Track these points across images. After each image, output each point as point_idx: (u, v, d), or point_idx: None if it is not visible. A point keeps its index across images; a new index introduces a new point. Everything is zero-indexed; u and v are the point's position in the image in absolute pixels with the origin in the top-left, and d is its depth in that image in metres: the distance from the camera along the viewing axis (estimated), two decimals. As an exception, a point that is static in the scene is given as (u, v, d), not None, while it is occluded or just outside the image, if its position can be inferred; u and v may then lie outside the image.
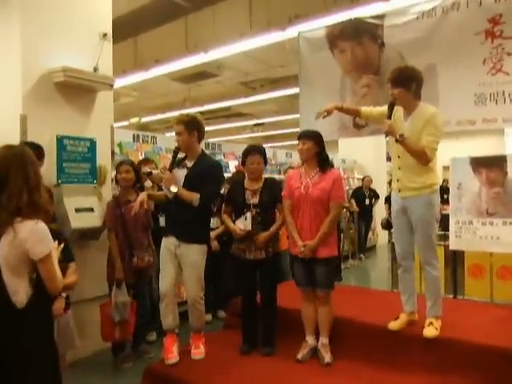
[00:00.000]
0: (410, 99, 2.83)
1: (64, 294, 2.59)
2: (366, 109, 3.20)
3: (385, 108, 2.94)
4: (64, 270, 2.60)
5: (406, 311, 3.03)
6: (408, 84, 2.79)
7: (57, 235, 2.65)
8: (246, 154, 3.23)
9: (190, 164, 3.14)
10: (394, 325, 2.98)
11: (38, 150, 2.96)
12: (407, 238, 2.97)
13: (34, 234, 1.74)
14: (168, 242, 3.12)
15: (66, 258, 2.66)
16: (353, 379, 2.77)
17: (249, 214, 3.11)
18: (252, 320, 3.26)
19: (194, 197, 3.01)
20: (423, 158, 2.75)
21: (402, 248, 3.01)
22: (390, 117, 2.83)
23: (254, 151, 3.22)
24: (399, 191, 2.94)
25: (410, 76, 2.82)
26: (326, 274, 2.99)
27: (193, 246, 3.07)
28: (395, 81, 2.80)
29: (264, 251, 3.13)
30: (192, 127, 3.10)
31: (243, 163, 3.28)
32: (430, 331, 2.81)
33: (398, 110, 2.92)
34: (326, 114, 3.11)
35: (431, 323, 2.84)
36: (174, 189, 3.01)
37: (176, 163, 3.17)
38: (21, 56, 3.40)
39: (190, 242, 3.07)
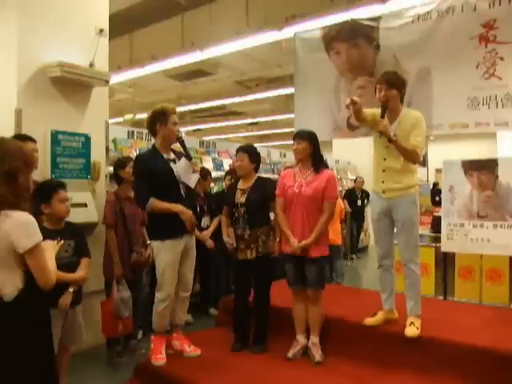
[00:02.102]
0: (398, 102, 2.95)
1: (71, 289, 2.61)
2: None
3: (372, 110, 2.99)
4: (76, 265, 2.67)
5: (385, 309, 3.09)
6: (401, 88, 2.93)
7: (72, 231, 2.70)
8: (236, 154, 3.31)
9: (171, 156, 3.10)
10: (369, 321, 3.07)
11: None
12: (389, 238, 3.05)
13: (18, 227, 1.72)
14: (179, 244, 3.00)
15: (78, 254, 2.70)
16: (342, 378, 2.79)
17: (231, 230, 3.22)
18: (244, 318, 3.27)
19: None
20: (414, 157, 2.86)
21: (383, 248, 3.06)
22: (382, 116, 2.87)
23: (239, 149, 3.30)
24: (383, 192, 2.99)
25: (402, 80, 2.97)
26: (317, 274, 3.02)
27: (193, 237, 3.17)
28: (391, 83, 2.90)
29: (254, 252, 3.15)
30: None
31: None
32: (411, 331, 2.85)
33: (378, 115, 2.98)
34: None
35: (412, 323, 2.89)
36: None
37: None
38: (17, 50, 3.39)
39: (193, 232, 3.15)
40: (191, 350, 3.11)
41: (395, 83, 2.90)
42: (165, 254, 2.98)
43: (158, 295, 3.02)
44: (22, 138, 2.97)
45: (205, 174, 4.77)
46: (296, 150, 3.09)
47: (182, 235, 3.00)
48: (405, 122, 2.90)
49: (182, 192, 3.03)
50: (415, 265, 2.95)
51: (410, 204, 2.92)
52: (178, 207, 2.94)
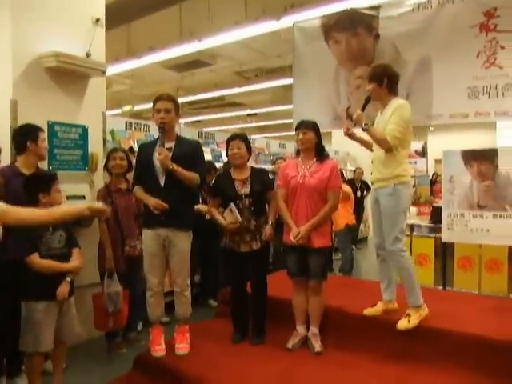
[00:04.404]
0: (383, 94, 3.00)
1: (68, 278, 2.62)
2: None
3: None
4: (68, 256, 2.68)
5: (384, 299, 3.11)
6: (380, 79, 2.97)
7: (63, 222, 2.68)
8: (227, 142, 3.24)
9: (168, 145, 2.97)
10: (369, 311, 3.09)
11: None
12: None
13: None
14: (155, 234, 2.97)
15: (69, 244, 2.72)
16: (342, 368, 2.80)
17: (233, 205, 3.07)
18: (243, 310, 3.27)
19: (195, 176, 2.95)
20: (385, 145, 2.88)
21: (379, 238, 3.08)
22: (363, 109, 3.00)
23: (234, 137, 3.22)
24: (372, 183, 3.09)
25: (382, 72, 3.00)
26: (320, 264, 3.01)
27: (182, 232, 3.00)
28: (369, 77, 3.03)
29: (259, 242, 3.12)
30: (178, 108, 3.07)
31: (227, 153, 3.29)
32: (401, 323, 2.85)
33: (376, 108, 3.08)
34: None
35: (408, 315, 2.88)
36: (174, 166, 2.87)
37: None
38: (11, 40, 3.34)
39: (180, 229, 2.99)
40: (177, 348, 3.03)
41: (373, 76, 2.99)
42: (144, 242, 3.07)
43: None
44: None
45: (208, 167, 4.72)
46: (302, 140, 3.07)
47: (152, 227, 2.97)
48: (387, 111, 2.94)
49: (161, 181, 2.94)
50: (396, 254, 2.91)
51: (389, 195, 2.90)
52: (145, 198, 2.97)
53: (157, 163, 2.92)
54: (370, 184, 9.00)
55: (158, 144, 2.97)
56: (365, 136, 3.11)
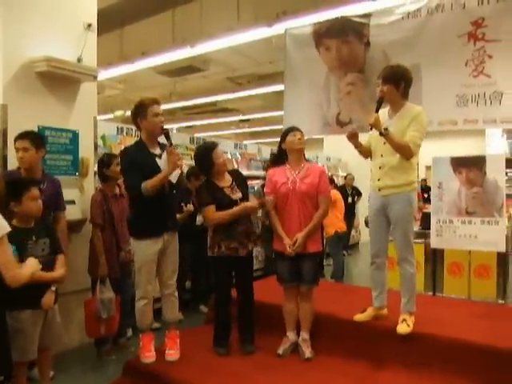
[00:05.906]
0: (397, 97, 2.91)
1: (53, 288, 2.56)
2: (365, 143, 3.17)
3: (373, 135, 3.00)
4: (53, 263, 2.60)
5: (374, 306, 3.11)
6: (398, 82, 2.87)
7: (45, 228, 2.63)
8: (210, 150, 3.05)
9: (158, 151, 2.96)
10: (359, 317, 3.09)
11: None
12: (384, 236, 3.03)
13: None
14: (156, 244, 2.92)
15: (54, 251, 2.64)
16: (333, 374, 2.80)
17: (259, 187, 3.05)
18: (229, 317, 3.16)
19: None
20: (407, 152, 2.81)
21: (377, 245, 3.05)
22: (377, 111, 2.90)
23: (216, 145, 3.10)
24: (379, 190, 2.98)
25: (401, 74, 2.90)
26: (313, 269, 3.02)
27: (175, 233, 3.07)
28: (386, 78, 2.89)
29: (254, 243, 3.11)
30: None
31: (210, 162, 3.03)
32: (402, 328, 2.87)
33: (383, 111, 2.98)
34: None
35: (404, 320, 2.90)
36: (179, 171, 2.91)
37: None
38: (2, 44, 3.33)
39: (176, 230, 3.06)
40: (167, 354, 3.02)
41: (390, 77, 2.87)
42: (141, 253, 2.94)
43: (136, 293, 3.02)
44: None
45: (197, 172, 4.69)
46: (300, 141, 3.06)
47: (160, 235, 2.92)
48: (404, 117, 2.87)
49: (165, 188, 2.92)
50: (408, 263, 2.94)
51: (405, 202, 2.88)
52: (163, 172, 2.82)
53: (163, 168, 2.87)
54: (360, 190, 9.00)
55: (151, 149, 2.95)
56: (375, 141, 3.02)
